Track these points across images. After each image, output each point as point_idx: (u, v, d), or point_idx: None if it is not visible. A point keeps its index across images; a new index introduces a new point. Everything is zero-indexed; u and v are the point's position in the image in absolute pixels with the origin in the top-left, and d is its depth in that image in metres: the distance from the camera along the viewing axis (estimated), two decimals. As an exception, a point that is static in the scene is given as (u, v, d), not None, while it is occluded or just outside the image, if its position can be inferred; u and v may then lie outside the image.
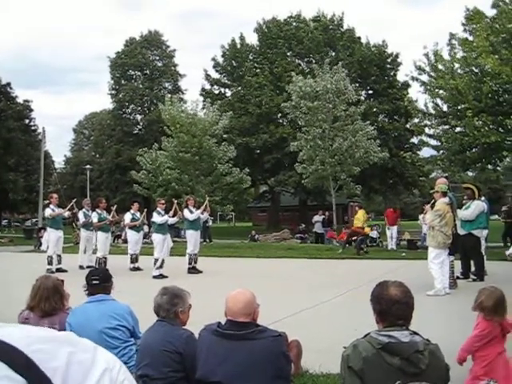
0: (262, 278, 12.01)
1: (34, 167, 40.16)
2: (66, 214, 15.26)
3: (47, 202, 15.58)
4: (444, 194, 10.08)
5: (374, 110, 38.62)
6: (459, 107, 21.22)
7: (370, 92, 42.11)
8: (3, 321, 1.15)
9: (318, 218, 28.09)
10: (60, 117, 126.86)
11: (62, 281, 4.72)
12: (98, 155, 56.58)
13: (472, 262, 11.57)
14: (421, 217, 11.55)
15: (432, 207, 10.23)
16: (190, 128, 28.59)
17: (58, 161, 64.42)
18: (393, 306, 2.87)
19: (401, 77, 41.73)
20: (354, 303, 8.23)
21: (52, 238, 14.18)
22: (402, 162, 38.47)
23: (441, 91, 21.72)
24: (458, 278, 11.10)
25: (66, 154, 68.37)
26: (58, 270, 13.33)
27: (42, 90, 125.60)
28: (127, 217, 15.05)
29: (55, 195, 14.99)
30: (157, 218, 13.56)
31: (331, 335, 6.13)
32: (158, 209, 13.84)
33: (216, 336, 3.29)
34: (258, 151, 40.95)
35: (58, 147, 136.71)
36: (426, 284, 9.38)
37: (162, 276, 12.49)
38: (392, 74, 42.19)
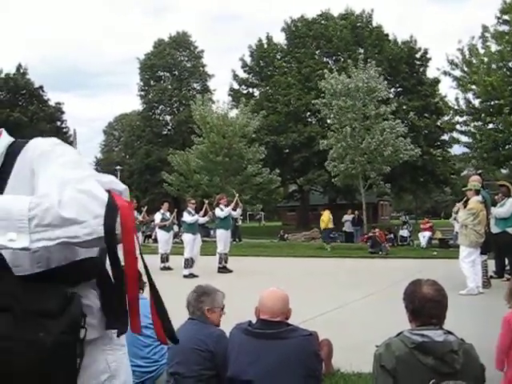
0: (292, 278, 11.97)
1: (66, 169, 40.76)
2: None
3: None
4: (477, 192, 9.89)
5: (404, 107, 38.21)
6: (492, 103, 20.85)
7: (400, 89, 41.68)
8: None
9: (347, 217, 27.99)
10: (92, 119, 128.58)
11: None
12: (127, 156, 57.15)
13: (507, 261, 11.34)
14: (454, 215, 11.34)
15: (464, 205, 10.06)
16: (221, 129, 28.70)
17: (89, 162, 65.20)
18: (426, 304, 2.82)
19: (430, 73, 41.42)
20: (385, 302, 8.15)
21: None
22: (432, 159, 37.90)
23: (473, 86, 21.38)
24: (491, 277, 10.90)
25: (96, 156, 69.25)
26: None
27: (75, 93, 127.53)
28: (157, 217, 15.09)
29: None
30: (187, 218, 13.56)
31: (362, 334, 6.07)
32: (188, 208, 13.82)
33: (247, 335, 3.28)
34: (287, 150, 40.90)
35: (90, 149, 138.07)
36: (458, 283, 9.22)
37: (192, 275, 12.52)
38: (421, 70, 41.73)
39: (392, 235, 22.35)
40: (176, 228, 20.81)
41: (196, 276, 12.38)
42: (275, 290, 3.39)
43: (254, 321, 3.38)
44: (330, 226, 22.85)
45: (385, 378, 2.74)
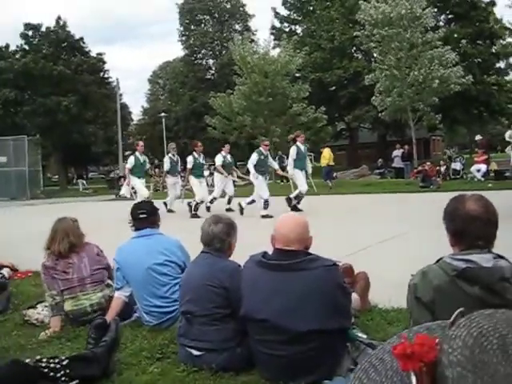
0: (335, 213, 11.57)
1: (112, 119, 40.89)
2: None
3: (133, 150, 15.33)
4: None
5: (455, 35, 36.09)
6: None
7: (451, 16, 39.28)
8: None
9: (396, 152, 27.17)
10: (138, 70, 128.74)
11: (76, 220, 4.60)
12: (173, 103, 57.02)
13: None
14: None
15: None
16: (262, 68, 27.98)
17: (137, 112, 65.59)
18: (471, 223, 2.32)
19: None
20: (434, 235, 7.59)
21: (136, 183, 13.83)
22: (486, 88, 35.92)
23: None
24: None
25: (143, 105, 69.33)
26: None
27: (120, 45, 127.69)
28: (218, 159, 13.93)
29: (141, 143, 14.56)
30: (254, 158, 12.57)
31: (403, 269, 5.54)
32: (260, 148, 12.86)
33: (261, 267, 2.87)
34: (333, 87, 39.70)
35: (138, 99, 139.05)
36: (514, 213, 8.56)
37: (267, 216, 11.46)
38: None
39: (445, 167, 21.47)
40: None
41: (271, 216, 11.15)
42: (291, 215, 2.96)
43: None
44: (331, 163, 22.88)
45: (421, 311, 2.30)
